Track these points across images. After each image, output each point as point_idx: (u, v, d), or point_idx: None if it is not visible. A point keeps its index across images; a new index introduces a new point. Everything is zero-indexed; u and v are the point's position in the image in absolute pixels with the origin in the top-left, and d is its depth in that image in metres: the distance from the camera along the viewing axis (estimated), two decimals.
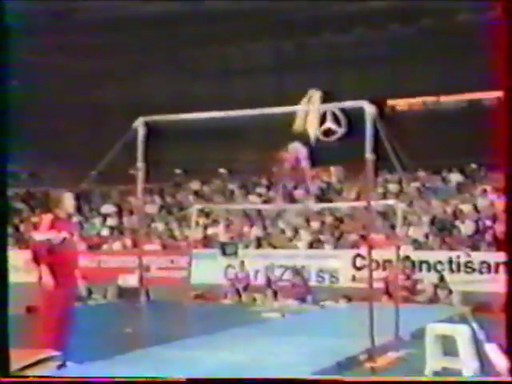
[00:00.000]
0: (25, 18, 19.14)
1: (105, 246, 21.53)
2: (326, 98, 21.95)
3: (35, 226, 8.49)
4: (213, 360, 7.91)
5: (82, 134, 25.24)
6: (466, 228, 18.48)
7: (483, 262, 16.64)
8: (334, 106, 20.89)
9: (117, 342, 8.95)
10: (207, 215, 21.35)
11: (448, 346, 7.52)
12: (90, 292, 15.89)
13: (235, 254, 18.84)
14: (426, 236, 18.40)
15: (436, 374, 7.42)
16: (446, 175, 21.57)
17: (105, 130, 21.37)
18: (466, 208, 19.36)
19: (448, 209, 19.57)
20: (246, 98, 21.03)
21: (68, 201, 7.92)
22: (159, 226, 22.05)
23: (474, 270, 16.73)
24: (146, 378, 6.11)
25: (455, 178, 21.39)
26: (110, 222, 23.01)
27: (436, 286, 15.90)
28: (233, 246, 19.31)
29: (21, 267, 15.98)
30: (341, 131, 22.63)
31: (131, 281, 15.53)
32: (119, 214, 23.30)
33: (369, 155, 8.34)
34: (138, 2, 22.92)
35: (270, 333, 10.88)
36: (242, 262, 17.95)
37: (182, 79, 24.43)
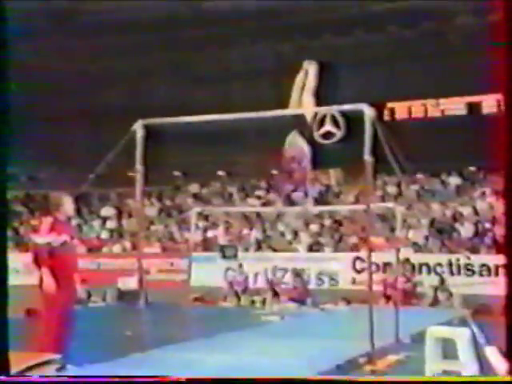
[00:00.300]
0: (25, 21, 19.14)
1: (104, 249, 21.53)
2: (325, 101, 21.95)
3: (35, 229, 8.48)
4: (212, 363, 7.90)
5: (81, 136, 25.22)
6: (466, 231, 18.49)
7: (483, 265, 16.65)
8: (333, 109, 20.87)
9: (116, 345, 8.94)
10: (206, 218, 21.35)
11: (448, 349, 7.51)
12: (89, 295, 15.88)
13: (235, 256, 18.83)
14: (426, 239, 18.41)
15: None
16: (445, 178, 21.57)
17: (104, 132, 21.34)
18: (466, 211, 19.37)
19: (447, 211, 19.58)
20: (245, 101, 21.03)
21: (68, 204, 7.92)
22: (159, 228, 22.06)
23: (473, 272, 16.74)
24: (144, 377, 6.11)
25: (454, 180, 21.39)
26: (110, 224, 23.01)
27: (436, 289, 15.91)
28: (232, 248, 19.31)
29: (20, 270, 16.03)
30: (340, 134, 22.64)
31: (131, 283, 15.52)
32: (118, 216, 23.30)
33: (368, 158, 8.34)
34: (137, 5, 22.92)
35: (269, 335, 10.88)
36: (241, 265, 17.96)
37: (181, 82, 24.42)
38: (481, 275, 16.64)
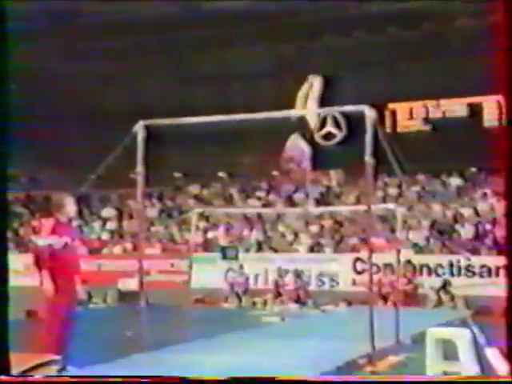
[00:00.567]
0: (25, 23, 19.15)
1: (105, 250, 21.52)
2: (326, 102, 21.97)
3: (35, 230, 8.48)
4: (213, 363, 7.90)
5: (81, 137, 25.22)
6: (466, 232, 18.48)
7: (483, 266, 16.64)
8: (334, 110, 20.89)
9: (117, 346, 8.94)
10: (207, 219, 21.35)
11: (448, 350, 7.50)
12: (90, 296, 15.88)
13: (235, 257, 18.82)
14: (427, 240, 18.40)
15: None
16: (445, 179, 21.57)
17: (105, 133, 21.34)
18: (466, 212, 19.36)
19: (448, 212, 19.57)
20: (245, 102, 21.05)
21: (69, 205, 7.91)
22: (159, 229, 22.05)
23: (474, 273, 16.72)
24: (142, 377, 6.11)
25: (455, 181, 21.38)
26: (110, 225, 23.00)
27: (439, 291, 15.92)
28: (233, 249, 19.30)
29: (21, 271, 16.03)
30: (341, 135, 22.64)
31: (131, 284, 15.52)
32: (119, 217, 23.29)
33: (368, 159, 8.34)
34: (137, 6, 22.93)
35: (270, 336, 10.88)
36: (241, 266, 17.95)
37: (181, 83, 24.44)
38: (481, 276, 16.63)
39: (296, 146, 12.46)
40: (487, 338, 9.19)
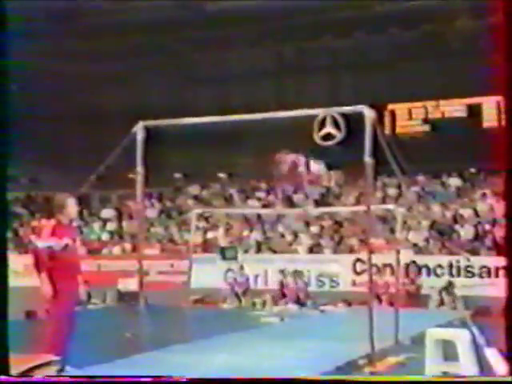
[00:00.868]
0: (25, 23, 19.15)
1: (104, 250, 21.52)
2: (325, 103, 21.99)
3: (35, 231, 8.48)
4: (212, 364, 7.90)
5: (81, 138, 25.24)
6: (466, 232, 18.48)
7: (483, 267, 16.64)
8: (333, 111, 20.89)
9: (116, 347, 8.94)
10: (207, 219, 21.35)
11: (448, 351, 7.51)
12: (89, 296, 15.87)
13: (235, 258, 18.82)
14: (426, 240, 18.40)
15: None
16: (445, 179, 21.57)
17: (104, 134, 21.34)
18: (466, 212, 19.36)
19: (447, 213, 19.58)
20: (245, 103, 21.05)
21: (71, 206, 7.90)
22: (159, 230, 22.05)
23: (473, 274, 16.73)
24: (141, 377, 6.11)
25: (454, 182, 21.39)
26: (110, 226, 23.00)
27: (440, 291, 15.93)
28: (232, 250, 19.29)
29: (20, 272, 16.03)
30: (340, 135, 22.65)
31: (131, 285, 15.51)
32: (119, 218, 23.29)
33: (368, 159, 8.34)
34: (138, 6, 22.94)
35: (269, 337, 10.87)
36: (242, 267, 17.95)
37: (181, 84, 24.45)
38: (481, 277, 16.63)
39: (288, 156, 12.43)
40: (487, 338, 9.20)
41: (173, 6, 22.95)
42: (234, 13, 22.43)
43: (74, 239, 7.88)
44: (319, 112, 20.49)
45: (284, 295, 16.91)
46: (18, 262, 16.43)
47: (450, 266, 16.98)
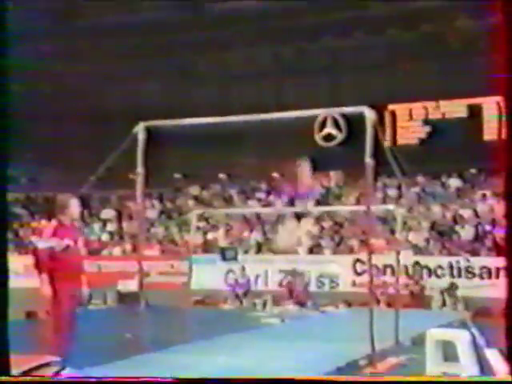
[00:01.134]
0: (26, 23, 19.16)
1: (105, 251, 21.52)
2: (326, 103, 22.00)
3: (35, 231, 8.48)
4: (212, 365, 7.90)
5: (81, 138, 25.23)
6: (466, 233, 18.48)
7: (483, 267, 16.64)
8: (334, 111, 20.89)
9: (116, 347, 8.94)
10: (207, 220, 21.35)
11: (448, 352, 7.50)
12: (89, 297, 15.84)
13: (235, 258, 18.81)
14: (427, 241, 18.40)
15: None
16: (445, 180, 21.56)
17: (105, 135, 21.34)
18: (466, 213, 19.36)
19: (448, 214, 19.57)
20: (245, 104, 21.04)
21: (74, 206, 7.89)
22: (159, 230, 22.05)
23: (474, 275, 16.72)
24: (140, 377, 6.11)
25: (455, 182, 21.37)
26: (110, 226, 23.00)
27: (443, 292, 15.94)
28: (232, 250, 19.28)
29: (20, 272, 16.02)
30: (341, 136, 22.64)
31: (131, 286, 15.50)
32: (119, 218, 23.29)
33: (368, 160, 8.34)
34: (138, 7, 22.95)
35: (269, 338, 10.87)
36: (243, 268, 17.94)
37: (182, 85, 24.44)
38: (481, 278, 16.63)
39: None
40: (487, 339, 9.20)
41: (173, 6, 22.96)
42: (233, 13, 22.44)
43: (75, 240, 7.87)
44: (320, 113, 20.52)
45: (291, 295, 16.86)
46: (17, 263, 16.42)
47: (451, 266, 16.99)
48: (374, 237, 15.08)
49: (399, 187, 20.71)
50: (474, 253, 17.45)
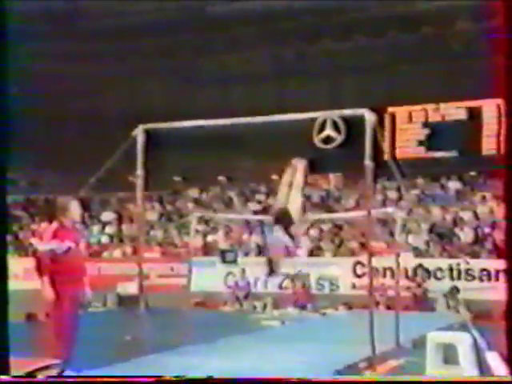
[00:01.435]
0: (25, 25, 19.16)
1: (104, 254, 21.51)
2: (326, 106, 22.00)
3: (36, 234, 8.47)
4: (212, 367, 7.89)
5: (81, 141, 25.22)
6: (466, 235, 18.47)
7: (483, 270, 16.63)
8: (333, 114, 20.89)
9: (116, 350, 8.92)
10: (207, 222, 21.34)
11: (449, 354, 7.50)
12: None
13: (235, 261, 18.81)
14: (426, 243, 18.39)
15: None
16: (445, 182, 21.56)
17: (104, 137, 21.33)
18: (466, 215, 19.36)
19: (447, 216, 19.57)
20: (245, 106, 21.04)
21: (75, 209, 7.88)
22: (159, 233, 22.04)
23: (474, 277, 16.71)
24: (142, 377, 6.11)
25: (454, 185, 21.37)
26: (110, 229, 22.99)
27: (445, 295, 15.94)
28: (232, 253, 19.28)
29: (20, 275, 16.02)
30: (340, 138, 22.64)
31: (131, 288, 15.49)
32: (119, 221, 23.28)
33: (368, 162, 8.33)
34: (138, 9, 22.94)
35: (269, 340, 10.86)
36: (243, 270, 17.92)
37: (181, 87, 24.44)
38: (481, 280, 16.62)
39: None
40: (487, 342, 9.19)
41: (173, 8, 22.95)
42: (234, 15, 22.43)
43: (76, 242, 7.85)
44: (319, 115, 20.51)
45: (298, 299, 16.81)
46: (17, 265, 16.41)
47: (451, 269, 16.98)
48: (373, 239, 15.08)
49: (399, 189, 20.70)
50: (474, 255, 17.44)
